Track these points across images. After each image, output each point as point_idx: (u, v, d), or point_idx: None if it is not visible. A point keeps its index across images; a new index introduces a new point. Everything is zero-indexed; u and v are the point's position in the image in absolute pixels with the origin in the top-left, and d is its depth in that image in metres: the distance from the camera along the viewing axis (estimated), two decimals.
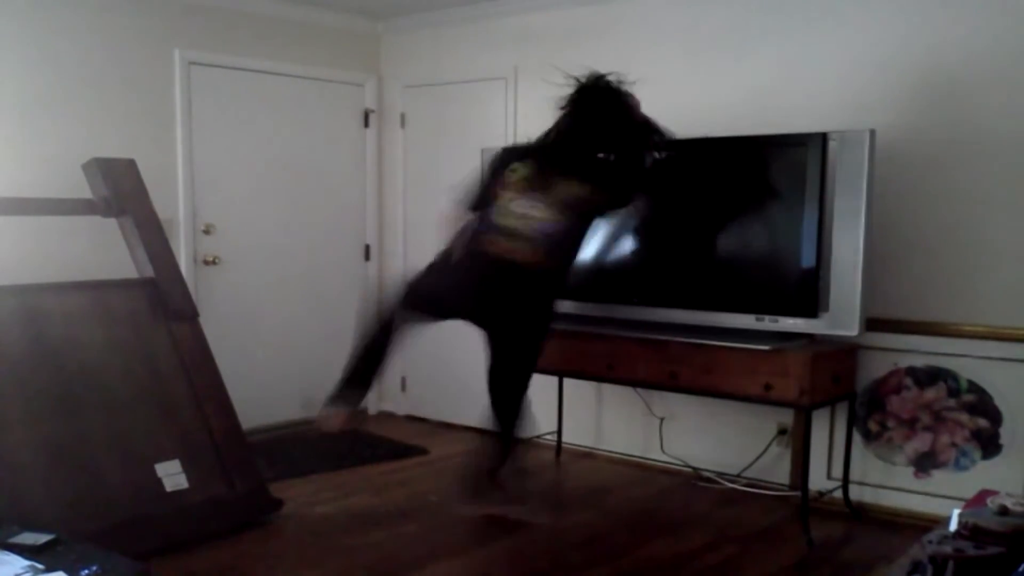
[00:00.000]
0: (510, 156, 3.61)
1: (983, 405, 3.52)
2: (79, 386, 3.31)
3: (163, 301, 3.67)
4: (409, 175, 5.37)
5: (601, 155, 3.57)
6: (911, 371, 3.67)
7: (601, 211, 3.60)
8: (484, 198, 3.54)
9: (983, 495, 2.14)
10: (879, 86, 3.68)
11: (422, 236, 5.33)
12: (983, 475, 3.48)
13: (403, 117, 5.37)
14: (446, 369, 5.16)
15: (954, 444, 3.59)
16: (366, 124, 5.41)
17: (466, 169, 4.69)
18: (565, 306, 4.01)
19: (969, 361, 3.54)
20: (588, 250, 4.07)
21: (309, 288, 5.18)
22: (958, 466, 3.58)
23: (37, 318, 3.34)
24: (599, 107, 3.46)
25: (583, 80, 3.49)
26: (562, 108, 3.50)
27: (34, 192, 3.81)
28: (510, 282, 3.41)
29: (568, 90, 3.50)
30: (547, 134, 3.55)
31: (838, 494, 3.78)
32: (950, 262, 3.57)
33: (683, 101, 4.19)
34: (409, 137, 5.35)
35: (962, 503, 2.21)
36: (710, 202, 3.79)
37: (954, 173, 3.55)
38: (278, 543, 3.40)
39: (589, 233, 3.61)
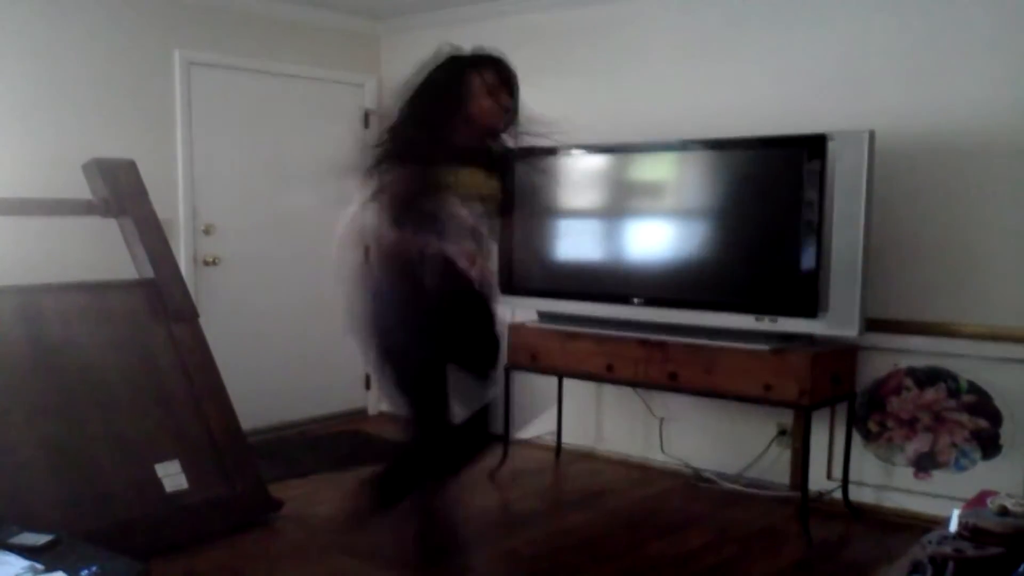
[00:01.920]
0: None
1: (983, 405, 3.52)
2: (79, 386, 3.31)
3: (163, 301, 3.66)
4: None
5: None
6: (911, 371, 3.67)
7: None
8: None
9: (983, 495, 2.14)
10: (879, 86, 3.68)
11: None
12: (983, 475, 3.48)
13: None
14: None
15: (954, 444, 3.59)
16: (366, 125, 5.41)
17: None
18: (565, 306, 4.02)
19: (969, 361, 3.54)
20: (587, 250, 4.09)
21: (309, 288, 5.17)
22: (958, 466, 3.58)
23: (37, 318, 3.34)
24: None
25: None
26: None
27: (34, 192, 3.81)
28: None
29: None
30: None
31: (838, 494, 3.78)
32: (950, 262, 3.57)
33: (682, 102, 4.20)
34: None
35: (962, 503, 2.21)
36: (711, 203, 3.79)
37: (953, 173, 3.54)
38: (278, 543, 3.40)
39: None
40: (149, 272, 3.70)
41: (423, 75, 2.87)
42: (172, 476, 3.35)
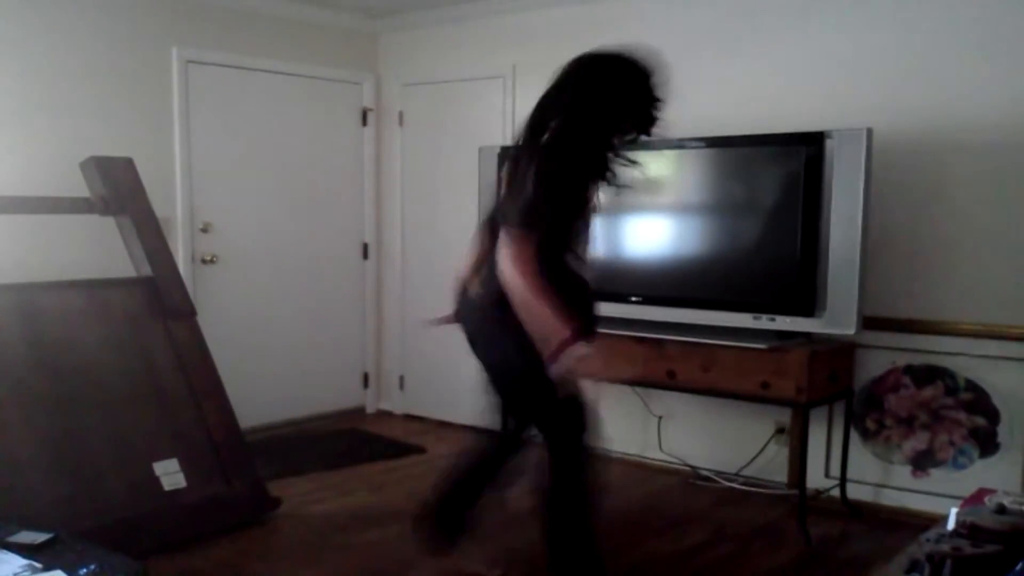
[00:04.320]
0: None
1: (981, 404, 3.52)
2: (77, 385, 3.30)
3: (161, 300, 3.66)
4: (407, 174, 5.37)
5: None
6: (909, 369, 3.68)
7: None
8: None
9: (981, 493, 2.15)
10: (877, 84, 3.68)
11: (420, 235, 5.33)
12: (981, 473, 3.48)
13: (401, 116, 5.37)
14: (444, 368, 5.15)
15: (952, 443, 3.60)
16: (364, 123, 5.41)
17: (464, 168, 4.69)
18: None
19: (967, 360, 3.54)
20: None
21: (307, 287, 5.18)
22: (956, 464, 3.59)
23: (35, 317, 3.33)
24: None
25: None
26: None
27: (32, 191, 3.80)
28: None
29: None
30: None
31: (836, 492, 3.78)
32: (947, 260, 3.58)
33: (681, 100, 4.18)
34: (407, 136, 5.35)
35: (960, 501, 2.21)
36: (709, 201, 3.79)
37: (952, 171, 3.55)
38: (276, 542, 3.40)
39: None
40: (147, 270, 3.70)
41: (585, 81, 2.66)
42: (170, 474, 3.34)
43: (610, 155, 2.66)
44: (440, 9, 5.01)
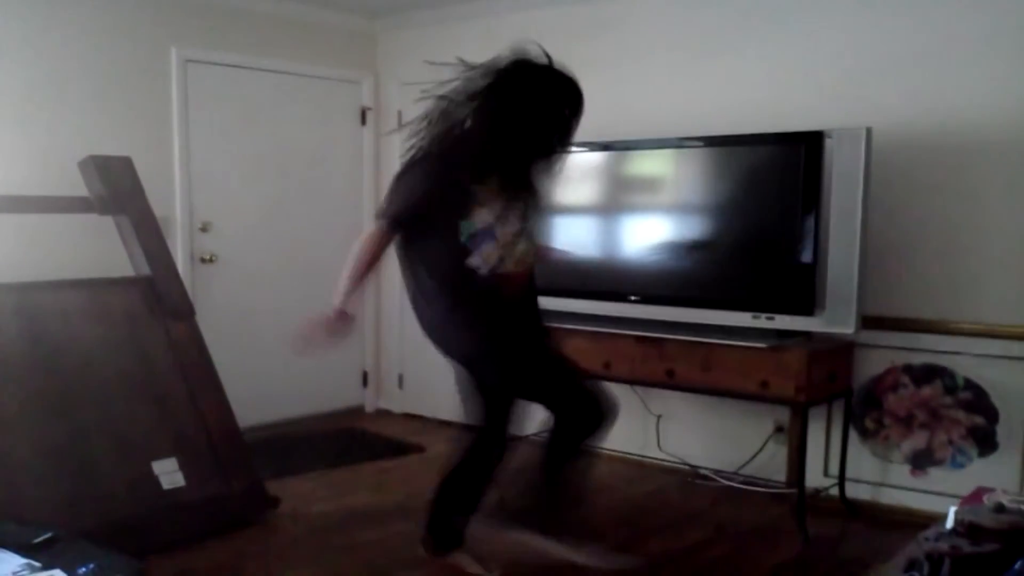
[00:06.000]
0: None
1: (980, 403, 3.53)
2: (76, 384, 3.30)
3: (160, 299, 3.66)
4: None
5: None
6: (908, 369, 3.68)
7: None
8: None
9: (979, 492, 2.15)
10: (877, 84, 3.68)
11: None
12: (979, 473, 3.48)
13: (400, 115, 5.36)
14: (443, 367, 5.13)
15: (951, 442, 3.60)
16: (363, 122, 5.41)
17: None
18: (562, 304, 4.01)
19: (966, 359, 3.54)
20: (584, 248, 4.08)
21: (306, 286, 5.17)
22: (954, 464, 3.59)
23: (34, 316, 3.33)
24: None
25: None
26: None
27: (30, 190, 3.80)
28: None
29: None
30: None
31: (835, 491, 3.78)
32: (947, 260, 3.58)
33: (680, 98, 4.20)
34: (407, 135, 5.33)
35: (958, 500, 2.21)
36: (708, 200, 3.79)
37: (951, 171, 3.55)
38: (275, 541, 3.40)
39: None
40: (146, 269, 3.69)
41: (511, 86, 2.89)
42: (169, 474, 3.35)
43: (529, 162, 2.88)
44: (440, 9, 5.01)
